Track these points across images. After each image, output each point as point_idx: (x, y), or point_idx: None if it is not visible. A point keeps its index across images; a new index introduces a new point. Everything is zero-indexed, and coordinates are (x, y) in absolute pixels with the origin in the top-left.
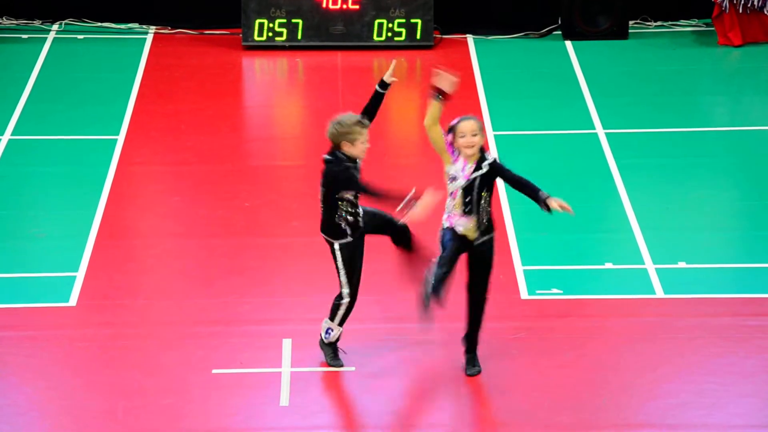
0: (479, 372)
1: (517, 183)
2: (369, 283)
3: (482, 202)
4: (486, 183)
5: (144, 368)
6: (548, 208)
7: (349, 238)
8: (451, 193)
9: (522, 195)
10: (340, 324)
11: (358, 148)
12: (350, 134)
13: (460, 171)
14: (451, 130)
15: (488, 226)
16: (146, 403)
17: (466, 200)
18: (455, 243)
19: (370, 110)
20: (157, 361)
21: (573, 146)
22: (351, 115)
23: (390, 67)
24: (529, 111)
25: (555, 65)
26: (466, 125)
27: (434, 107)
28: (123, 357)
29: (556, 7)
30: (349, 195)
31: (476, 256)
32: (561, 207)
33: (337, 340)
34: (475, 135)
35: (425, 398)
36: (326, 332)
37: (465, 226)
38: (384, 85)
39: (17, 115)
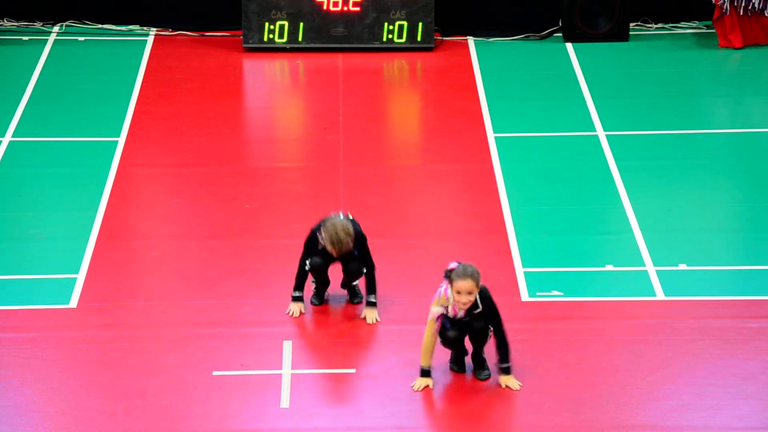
0: (490, 375)
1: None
2: None
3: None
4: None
5: (144, 370)
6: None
7: None
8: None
9: (521, 196)
10: None
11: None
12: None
13: (453, 317)
14: (448, 277)
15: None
16: (146, 405)
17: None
18: (453, 345)
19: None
20: (158, 363)
21: (573, 148)
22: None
23: None
24: (530, 113)
25: (556, 67)
26: (464, 285)
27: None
28: (123, 359)
29: (556, 9)
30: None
31: (473, 327)
32: (507, 386)
33: None
34: (470, 294)
35: (425, 400)
36: None
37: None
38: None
39: (18, 116)
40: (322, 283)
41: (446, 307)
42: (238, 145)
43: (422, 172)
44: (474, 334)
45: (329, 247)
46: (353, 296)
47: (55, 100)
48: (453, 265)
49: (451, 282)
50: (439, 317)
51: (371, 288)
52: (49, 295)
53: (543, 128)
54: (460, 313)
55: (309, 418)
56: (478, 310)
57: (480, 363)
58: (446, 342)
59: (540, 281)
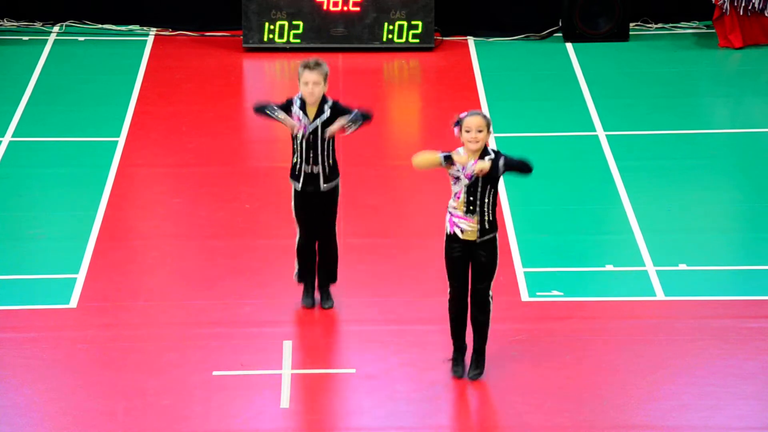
0: (480, 375)
1: (519, 168)
2: (369, 284)
3: (486, 200)
4: (489, 180)
5: (144, 370)
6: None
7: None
8: (455, 193)
9: (521, 196)
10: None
11: (300, 88)
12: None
13: (462, 170)
14: (458, 123)
15: (491, 225)
16: (146, 405)
17: (470, 199)
18: (457, 269)
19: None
20: (158, 363)
21: (573, 148)
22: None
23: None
24: (530, 113)
25: (556, 67)
26: (473, 120)
27: (433, 162)
28: (123, 358)
29: (556, 9)
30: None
31: (477, 258)
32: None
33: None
34: (480, 131)
35: (425, 400)
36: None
37: (467, 227)
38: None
39: (18, 116)
40: (311, 244)
41: (452, 157)
42: (238, 145)
43: (422, 172)
44: (481, 259)
45: (304, 77)
46: (325, 299)
47: (55, 100)
48: (463, 114)
49: (460, 125)
50: (448, 160)
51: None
52: (49, 295)
53: (543, 128)
54: (470, 164)
55: (309, 418)
56: (490, 157)
57: (477, 358)
58: (451, 262)
59: (540, 281)
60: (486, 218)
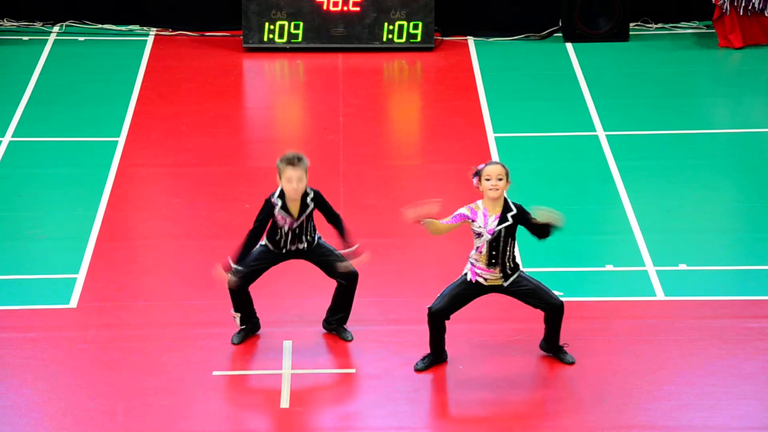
0: (573, 361)
1: (537, 230)
2: (369, 284)
3: (507, 250)
4: (511, 233)
5: (144, 370)
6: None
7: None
8: (477, 247)
9: (521, 195)
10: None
11: (284, 185)
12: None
13: (484, 226)
14: (477, 174)
15: (513, 269)
16: (146, 405)
17: (492, 254)
18: (458, 302)
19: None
20: (158, 363)
21: (574, 148)
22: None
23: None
24: (530, 113)
25: (556, 67)
26: (493, 169)
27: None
28: (123, 358)
29: (556, 9)
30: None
31: (518, 295)
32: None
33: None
34: (500, 179)
35: (425, 400)
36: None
37: (490, 276)
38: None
39: (18, 116)
40: (247, 300)
41: (474, 211)
42: (238, 145)
43: (422, 172)
44: (523, 290)
45: (288, 173)
46: (343, 333)
47: (55, 100)
48: (480, 165)
49: (480, 175)
50: (459, 216)
51: (348, 235)
52: (49, 295)
53: (543, 128)
54: (492, 221)
55: (309, 418)
56: (513, 213)
57: (557, 347)
58: (460, 292)
59: (540, 281)
60: (507, 266)
